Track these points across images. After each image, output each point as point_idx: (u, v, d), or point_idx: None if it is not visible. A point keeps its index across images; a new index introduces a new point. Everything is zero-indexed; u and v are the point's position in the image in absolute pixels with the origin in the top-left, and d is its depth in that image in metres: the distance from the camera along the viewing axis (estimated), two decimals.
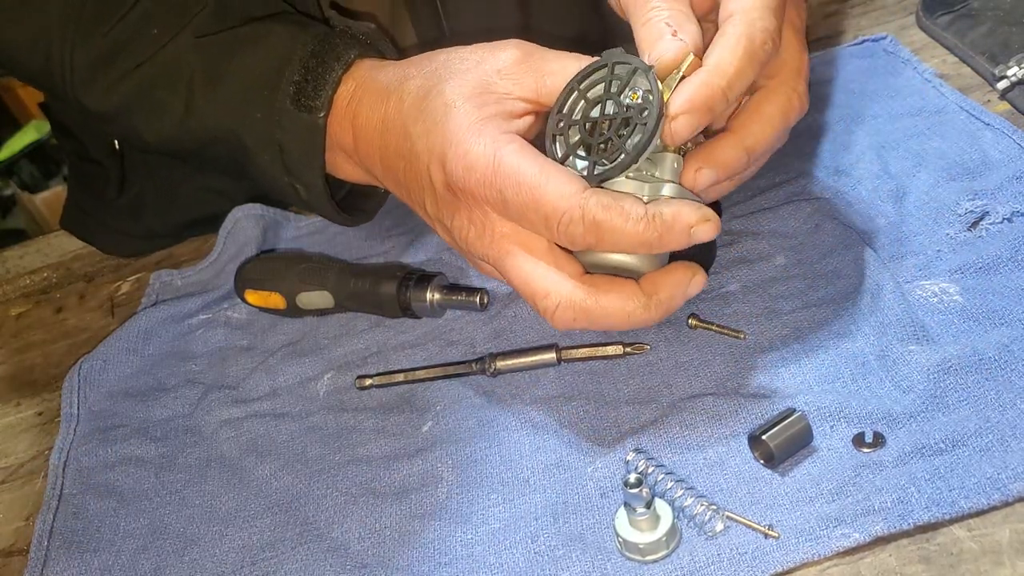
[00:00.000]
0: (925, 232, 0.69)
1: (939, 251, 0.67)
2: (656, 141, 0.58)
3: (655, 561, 0.54)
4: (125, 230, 0.95)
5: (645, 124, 0.57)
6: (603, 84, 0.60)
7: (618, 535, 0.55)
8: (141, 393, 0.77)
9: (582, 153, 0.60)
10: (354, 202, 0.76)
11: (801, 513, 0.54)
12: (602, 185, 0.58)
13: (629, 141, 0.57)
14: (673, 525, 0.54)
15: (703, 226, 0.57)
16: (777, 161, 0.81)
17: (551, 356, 0.68)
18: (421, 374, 0.70)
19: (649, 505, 0.53)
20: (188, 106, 0.70)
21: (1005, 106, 0.79)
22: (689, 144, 0.61)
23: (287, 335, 0.79)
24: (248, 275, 0.79)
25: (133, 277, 0.93)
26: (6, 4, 0.73)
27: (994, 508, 0.52)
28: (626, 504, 0.54)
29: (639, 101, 0.58)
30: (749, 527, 0.54)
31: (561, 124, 0.61)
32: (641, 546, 0.54)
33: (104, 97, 0.72)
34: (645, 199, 0.58)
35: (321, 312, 0.78)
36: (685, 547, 0.54)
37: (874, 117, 0.82)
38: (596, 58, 0.61)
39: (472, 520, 0.59)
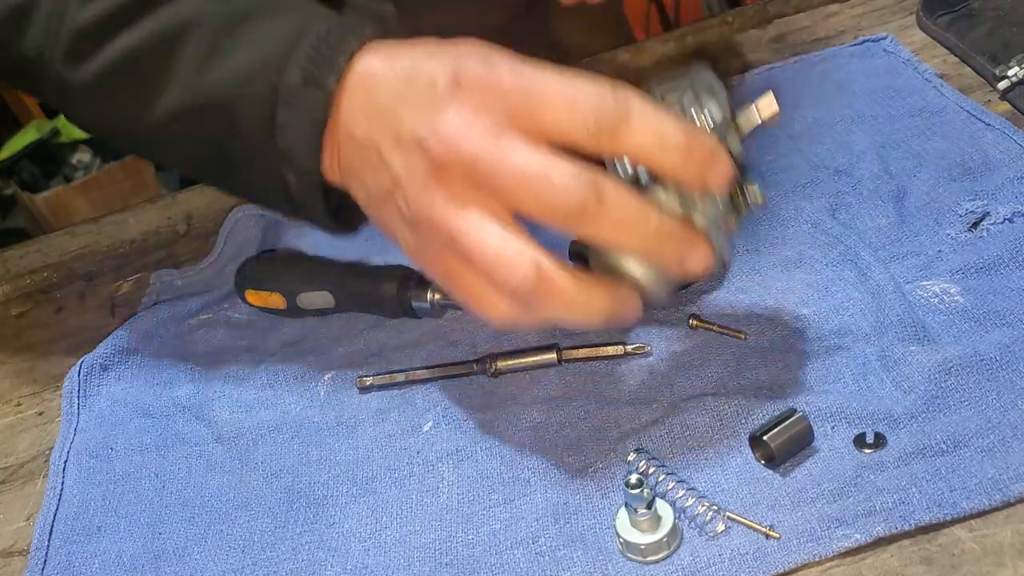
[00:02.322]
0: (926, 232, 0.69)
1: (940, 251, 0.67)
2: None
3: (656, 562, 0.54)
4: None
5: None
6: (678, 94, 0.56)
7: (619, 536, 0.55)
8: (141, 393, 0.77)
9: None
10: (342, 212, 0.66)
11: (802, 514, 0.54)
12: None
13: None
14: (674, 526, 0.54)
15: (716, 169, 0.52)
16: (777, 161, 0.81)
17: (552, 356, 0.67)
18: (421, 374, 0.70)
19: (650, 506, 0.53)
20: (186, 81, 0.63)
21: (1006, 106, 0.79)
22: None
23: (287, 335, 0.78)
24: (249, 275, 0.79)
25: (133, 277, 0.93)
26: None
27: (996, 509, 0.52)
28: (627, 505, 0.54)
29: (704, 122, 0.55)
30: (750, 528, 0.54)
31: None
32: (642, 547, 0.54)
33: (90, 68, 0.65)
34: (679, 211, 0.55)
35: (321, 312, 0.78)
36: (686, 548, 0.54)
37: (874, 117, 0.82)
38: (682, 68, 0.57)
39: (473, 520, 0.59)
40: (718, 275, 0.59)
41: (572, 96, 0.51)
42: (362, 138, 0.58)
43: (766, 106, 0.55)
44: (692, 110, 0.55)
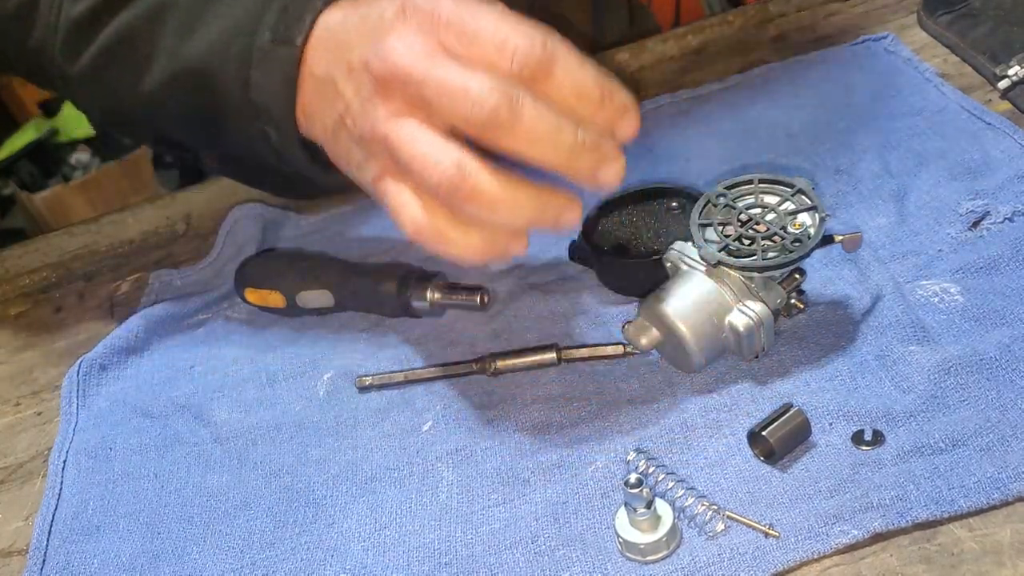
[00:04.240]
0: (926, 232, 0.69)
1: (940, 251, 0.67)
2: (780, 272, 0.62)
3: (655, 561, 0.54)
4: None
5: (791, 252, 0.60)
6: (779, 197, 0.63)
7: (618, 535, 0.54)
8: (140, 393, 0.76)
9: (719, 230, 0.63)
10: (322, 158, 0.68)
11: (800, 511, 0.54)
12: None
13: (766, 253, 0.60)
14: (674, 525, 0.54)
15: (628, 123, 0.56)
16: (777, 161, 0.81)
17: (551, 356, 0.67)
18: (421, 374, 0.70)
19: (650, 505, 0.53)
20: (169, 54, 0.67)
21: (1006, 105, 0.79)
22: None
23: (287, 335, 0.78)
24: (248, 273, 0.79)
25: (132, 277, 0.93)
26: None
27: (994, 508, 0.52)
28: (627, 504, 0.54)
29: (799, 231, 0.61)
30: (750, 527, 0.54)
31: (720, 198, 0.64)
32: (642, 546, 0.54)
33: (86, 56, 0.70)
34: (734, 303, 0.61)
35: (321, 311, 0.78)
36: (685, 547, 0.54)
37: (875, 116, 0.82)
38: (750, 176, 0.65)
39: (472, 520, 0.59)
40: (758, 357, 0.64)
41: (502, 38, 0.55)
42: (321, 75, 0.62)
43: (850, 243, 0.63)
44: (783, 221, 0.62)
